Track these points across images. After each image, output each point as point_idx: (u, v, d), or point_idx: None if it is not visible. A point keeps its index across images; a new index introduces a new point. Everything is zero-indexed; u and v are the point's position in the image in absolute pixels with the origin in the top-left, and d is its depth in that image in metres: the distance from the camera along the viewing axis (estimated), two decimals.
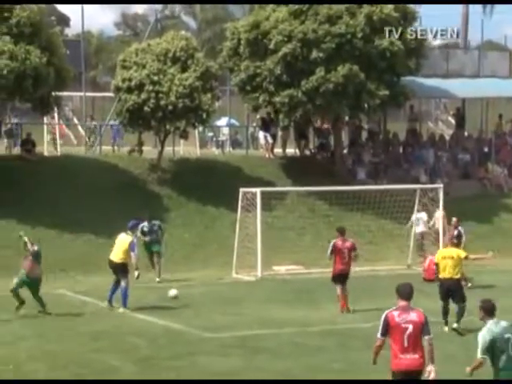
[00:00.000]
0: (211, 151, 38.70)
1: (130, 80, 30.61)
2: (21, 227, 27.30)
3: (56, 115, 35.05)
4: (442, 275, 18.23)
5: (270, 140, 35.27)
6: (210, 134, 40.87)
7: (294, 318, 19.41)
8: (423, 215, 28.66)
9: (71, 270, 25.68)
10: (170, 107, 30.20)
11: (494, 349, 10.31)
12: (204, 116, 31.14)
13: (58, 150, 34.00)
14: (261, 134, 35.83)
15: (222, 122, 41.09)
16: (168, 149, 33.83)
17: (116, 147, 36.14)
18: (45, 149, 33.67)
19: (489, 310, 10.54)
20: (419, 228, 28.64)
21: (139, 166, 32.48)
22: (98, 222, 27.83)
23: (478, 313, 10.65)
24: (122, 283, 20.18)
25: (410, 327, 10.43)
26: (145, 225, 24.86)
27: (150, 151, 34.38)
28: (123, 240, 20.51)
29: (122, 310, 20.09)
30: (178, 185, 31.76)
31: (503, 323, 10.49)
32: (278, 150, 35.96)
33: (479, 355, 10.31)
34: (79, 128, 37.69)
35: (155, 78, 30.35)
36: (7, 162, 30.80)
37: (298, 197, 31.35)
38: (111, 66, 41.67)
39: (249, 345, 16.55)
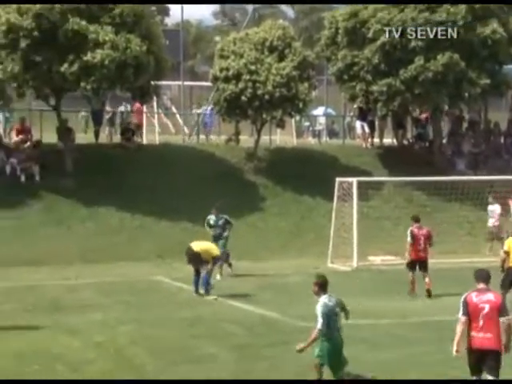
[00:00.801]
0: (307, 141, 38.63)
1: (227, 69, 30.79)
2: (120, 214, 27.88)
3: (155, 104, 35.51)
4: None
5: (367, 129, 35.01)
6: (307, 123, 40.80)
7: (390, 308, 19.23)
8: (496, 207, 28.20)
9: (168, 257, 25.99)
10: (267, 96, 30.27)
11: (328, 320, 11.69)
12: (301, 105, 31.11)
13: (157, 138, 34.50)
14: (358, 124, 35.59)
15: (319, 111, 40.98)
16: (264, 138, 33.91)
17: (210, 136, 36.34)
18: (144, 137, 34.19)
19: (323, 286, 11.89)
20: (492, 220, 28.22)
21: (236, 155, 32.68)
22: (194, 210, 28.07)
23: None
24: (203, 272, 20.33)
25: (487, 307, 11.00)
26: (211, 217, 23.72)
27: (246, 140, 34.54)
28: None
29: (210, 297, 20.21)
30: (274, 174, 31.82)
31: (333, 298, 11.93)
32: (375, 140, 35.65)
33: (319, 326, 11.62)
34: (177, 117, 38.08)
35: (252, 67, 30.44)
36: (108, 150, 31.39)
37: (394, 187, 31.06)
38: (209, 55, 41.96)
39: (345, 334, 16.42)
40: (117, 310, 19.00)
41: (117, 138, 33.17)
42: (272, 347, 15.54)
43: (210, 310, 19.14)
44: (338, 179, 27.31)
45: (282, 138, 36.25)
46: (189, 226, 28.10)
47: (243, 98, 30.42)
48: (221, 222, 23.50)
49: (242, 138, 34.27)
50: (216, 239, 23.22)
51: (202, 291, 20.51)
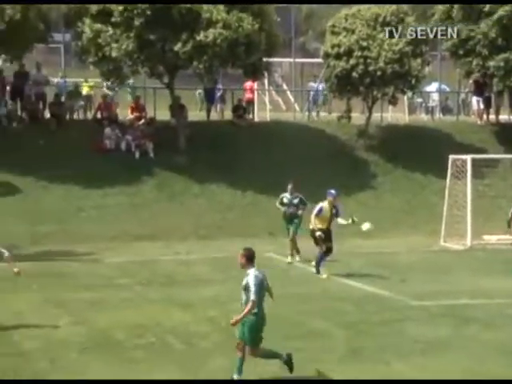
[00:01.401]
0: (420, 117, 38.07)
1: (338, 46, 30.58)
2: (231, 191, 28.15)
3: (266, 81, 35.57)
4: None
5: (483, 105, 34.24)
6: (419, 99, 40.16)
7: (504, 288, 18.82)
8: None
9: (279, 234, 26.07)
10: (379, 73, 29.95)
11: (260, 290, 11.70)
12: (413, 82, 30.68)
13: (268, 115, 34.59)
14: (474, 99, 34.87)
15: (432, 87, 40.24)
16: (376, 115, 33.60)
17: (321, 113, 36.20)
18: (255, 115, 34.33)
19: (251, 258, 11.74)
20: None
21: (347, 133, 32.50)
22: (305, 187, 28.00)
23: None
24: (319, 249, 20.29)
25: None
26: (285, 195, 22.68)
27: (357, 117, 34.28)
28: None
29: (324, 276, 20.16)
30: (385, 151, 31.53)
31: (261, 270, 11.87)
32: (490, 117, 34.84)
33: (253, 297, 11.51)
34: (288, 94, 38.07)
35: (364, 43, 30.15)
36: (219, 127, 31.67)
37: (511, 165, 30.30)
38: (321, 31, 41.70)
39: (457, 314, 16.21)
40: (228, 285, 19.16)
41: (228, 116, 33.42)
42: (384, 325, 15.44)
43: (321, 286, 19.14)
44: (451, 156, 26.83)
45: (394, 115, 35.82)
46: None
47: (354, 74, 30.18)
48: (295, 201, 22.52)
49: (353, 115, 34.03)
50: (290, 218, 22.51)
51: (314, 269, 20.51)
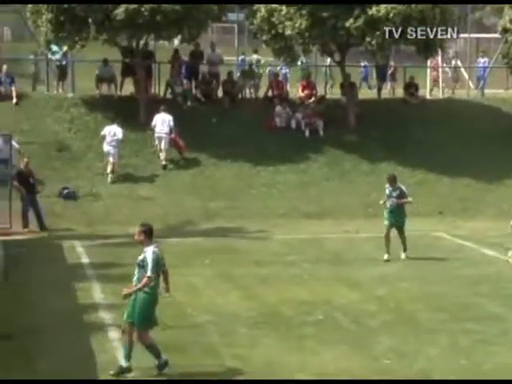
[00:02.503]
0: None
1: None
2: (401, 170, 27.83)
3: (439, 58, 34.87)
4: None
5: None
6: None
7: None
8: None
9: (449, 213, 25.63)
10: None
11: (157, 267, 11.46)
12: None
13: (441, 93, 33.95)
14: None
15: None
16: None
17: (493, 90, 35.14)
18: (427, 92, 33.78)
19: (150, 234, 11.53)
20: None
21: None
22: (478, 167, 27.46)
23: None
24: None
25: None
26: (387, 187, 19.99)
27: None
28: None
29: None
30: None
31: (159, 247, 11.64)
32: None
33: (149, 273, 11.31)
34: (462, 71, 37.18)
35: None
36: (390, 105, 31.36)
37: None
38: (499, 6, 40.40)
39: None
40: (396, 265, 19.08)
41: (399, 93, 33.03)
42: None
43: (493, 269, 18.70)
44: None
45: None
46: (472, 182, 27.45)
47: None
48: (394, 194, 19.64)
49: None
50: (393, 211, 19.79)
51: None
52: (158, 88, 31.20)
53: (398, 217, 19.78)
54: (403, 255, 19.68)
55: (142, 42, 28.85)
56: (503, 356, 12.50)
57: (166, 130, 26.93)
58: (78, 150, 27.36)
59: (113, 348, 12.74)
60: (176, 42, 32.03)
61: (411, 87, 32.04)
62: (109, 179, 25.95)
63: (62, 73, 30.75)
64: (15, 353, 12.48)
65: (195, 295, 16.06)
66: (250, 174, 27.45)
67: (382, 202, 20.15)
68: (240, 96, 31.41)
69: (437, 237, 22.62)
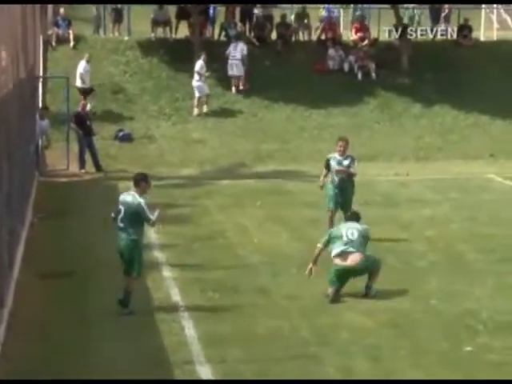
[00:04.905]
0: None
1: None
2: (453, 112, 27.79)
3: None
4: None
5: None
6: None
7: None
8: None
9: (501, 156, 25.51)
10: None
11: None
12: None
13: (495, 34, 33.55)
14: None
15: None
16: None
17: None
18: (481, 34, 33.41)
19: (135, 183, 12.20)
20: None
21: None
22: None
23: None
24: None
25: None
26: (331, 156, 16.18)
27: None
28: None
29: None
30: None
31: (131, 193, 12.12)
32: None
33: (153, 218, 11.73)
34: None
35: None
36: (443, 47, 31.09)
37: None
38: None
39: None
40: (447, 207, 19.20)
41: (453, 35, 32.67)
42: None
43: None
44: None
45: None
46: None
47: None
48: (346, 163, 16.00)
49: None
50: (342, 188, 16.06)
51: None
52: (213, 31, 31.35)
53: (347, 194, 15.88)
54: None
55: None
56: None
57: (239, 56, 28.02)
58: (133, 92, 27.75)
59: (167, 286, 13.17)
60: None
61: (465, 29, 31.72)
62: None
63: (118, 16, 31.06)
64: (77, 288, 13.04)
65: (246, 236, 16.39)
66: (302, 117, 27.60)
67: (321, 179, 16.23)
68: (293, 39, 31.41)
69: (488, 179, 22.62)
